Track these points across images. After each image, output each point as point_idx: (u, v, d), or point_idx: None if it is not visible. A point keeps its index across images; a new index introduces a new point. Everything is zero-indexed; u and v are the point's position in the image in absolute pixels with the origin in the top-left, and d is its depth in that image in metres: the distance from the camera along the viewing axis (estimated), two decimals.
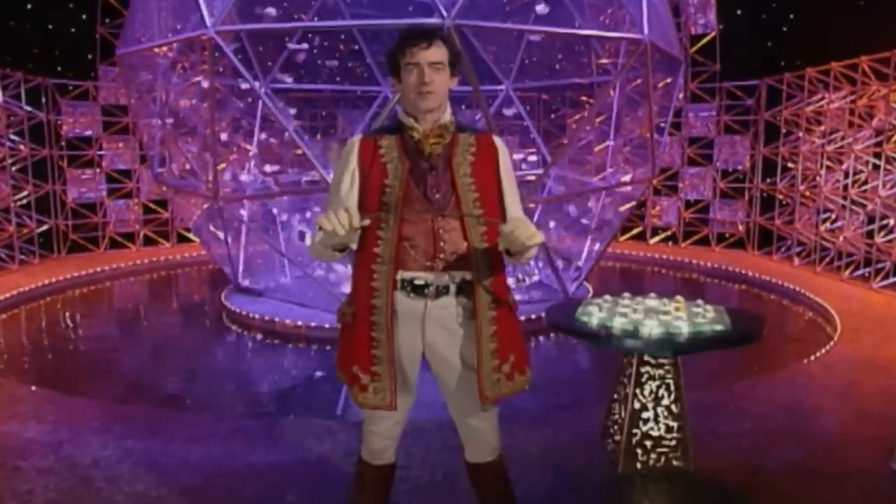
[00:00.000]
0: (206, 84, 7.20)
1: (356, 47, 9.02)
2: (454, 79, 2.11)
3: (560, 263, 7.34)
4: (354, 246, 1.89)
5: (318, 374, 5.47)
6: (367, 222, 1.92)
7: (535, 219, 8.11)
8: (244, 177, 8.14)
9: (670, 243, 11.18)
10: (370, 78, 9.21)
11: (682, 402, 3.24)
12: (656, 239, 11.34)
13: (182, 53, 7.97)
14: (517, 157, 8.35)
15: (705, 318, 3.14)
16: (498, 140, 2.20)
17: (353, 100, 9.99)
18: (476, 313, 2.08)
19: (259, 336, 6.47)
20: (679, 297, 3.37)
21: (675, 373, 3.23)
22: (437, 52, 2.03)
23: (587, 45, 8.65)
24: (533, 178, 8.38)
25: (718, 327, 3.09)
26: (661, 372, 3.21)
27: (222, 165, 8.23)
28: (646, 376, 3.22)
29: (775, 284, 8.37)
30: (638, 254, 10.59)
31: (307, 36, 8.34)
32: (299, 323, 6.44)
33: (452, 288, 2.08)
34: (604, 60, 8.79)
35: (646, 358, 3.22)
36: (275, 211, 7.77)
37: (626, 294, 3.51)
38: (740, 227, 10.66)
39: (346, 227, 1.82)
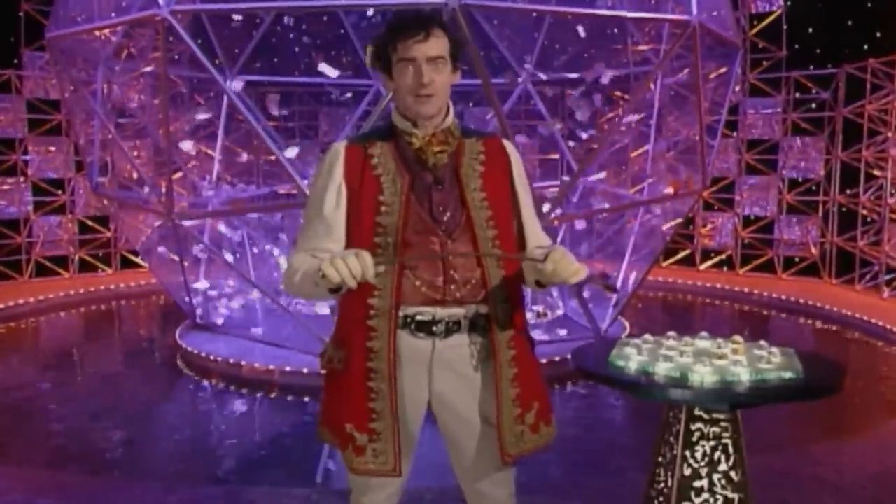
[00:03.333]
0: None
1: (342, 31, 9.13)
2: (457, 73, 2.14)
3: (602, 291, 7.33)
4: (355, 285, 1.91)
5: (294, 430, 5.45)
6: (382, 269, 1.93)
7: (559, 240, 8.13)
8: (205, 188, 8.20)
9: (725, 269, 11.19)
10: (358, 69, 9.30)
11: (744, 467, 3.22)
12: (708, 264, 11.35)
13: (129, 37, 8.08)
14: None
15: (771, 363, 3.14)
16: (509, 145, 2.24)
17: (337, 95, 10.09)
18: (493, 353, 2.10)
19: (221, 384, 6.47)
20: (737, 337, 3.37)
21: (735, 431, 3.21)
22: (437, 45, 2.04)
23: (622, 28, 8.74)
24: (556, 190, 8.42)
25: (788, 375, 3.08)
26: (716, 430, 3.20)
27: (178, 174, 8.30)
28: (697, 435, 3.21)
29: (859, 321, 8.35)
30: (685, 282, 10.58)
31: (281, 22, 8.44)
32: (271, 367, 6.44)
33: (465, 324, 2.11)
34: (643, 47, 8.87)
35: (697, 412, 3.20)
36: (232, 237, 7.80)
37: (672, 333, 3.50)
38: (813, 250, 10.67)
39: (360, 278, 1.83)
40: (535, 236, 2.24)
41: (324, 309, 7.16)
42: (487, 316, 2.11)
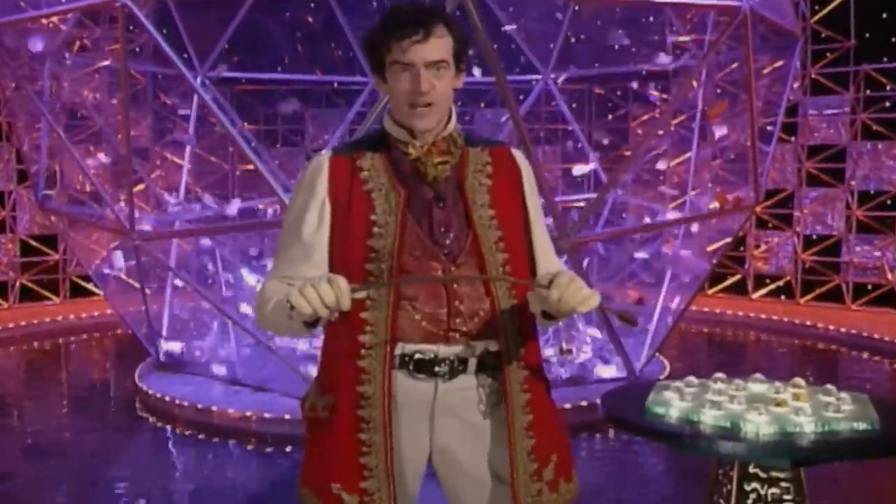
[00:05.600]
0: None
1: (332, 20, 9.19)
2: (460, 76, 2.15)
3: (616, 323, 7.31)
4: (336, 316, 1.92)
5: (274, 488, 5.44)
6: (362, 295, 1.95)
7: (585, 264, 8.11)
8: (172, 203, 8.22)
9: (783, 298, 11.15)
10: (351, 64, 9.36)
11: None
12: (762, 292, 11.32)
13: (82, 27, 8.14)
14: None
15: (840, 411, 3.12)
16: (519, 155, 2.26)
17: (326, 95, 10.15)
18: (505, 397, 2.11)
19: (188, 432, 6.45)
20: (799, 380, 3.36)
21: (798, 493, 3.19)
22: (439, 46, 2.05)
23: (659, 16, 8.78)
24: (582, 204, 8.42)
25: (861, 425, 3.06)
26: (775, 491, 3.17)
27: (140, 186, 8.33)
28: (753, 497, 3.19)
29: None
30: (736, 314, 10.54)
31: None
32: (247, 413, 6.43)
33: (472, 363, 2.11)
34: (683, 38, 8.91)
35: (752, 470, 3.18)
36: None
37: (720, 374, 3.50)
38: (889, 275, 10.63)
39: (333, 307, 1.84)
40: (547, 261, 2.26)
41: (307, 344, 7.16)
42: (498, 354, 2.11)
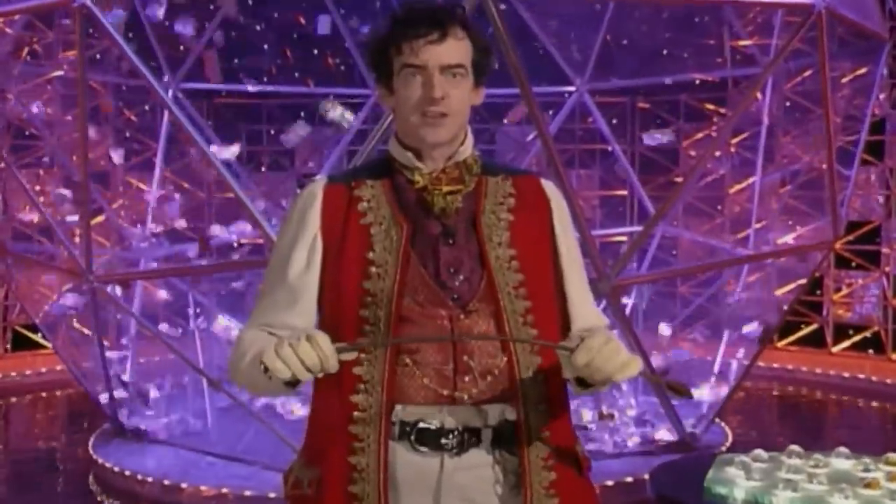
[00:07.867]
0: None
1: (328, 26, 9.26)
2: (480, 90, 2.17)
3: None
4: (321, 374, 1.92)
5: None
6: (353, 355, 1.94)
7: (629, 309, 8.07)
8: (137, 238, 8.25)
9: (870, 352, 11.06)
10: (350, 75, 9.41)
11: None
12: (845, 345, 11.23)
13: (32, 30, 8.21)
14: None
15: None
16: (550, 186, 2.26)
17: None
18: (522, 477, 2.08)
19: None
20: (893, 456, 3.32)
21: None
22: (457, 49, 2.07)
23: (716, 17, 8.80)
24: (624, 238, 8.39)
25: None
26: None
27: (100, 218, 8.37)
28: None
29: None
30: (812, 371, 10.48)
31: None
32: (224, 490, 6.41)
33: (486, 434, 2.09)
34: (745, 42, 8.93)
35: None
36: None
37: (795, 447, 3.47)
38: None
39: (316, 370, 1.85)
40: (584, 314, 2.24)
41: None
42: (517, 423, 2.09)
